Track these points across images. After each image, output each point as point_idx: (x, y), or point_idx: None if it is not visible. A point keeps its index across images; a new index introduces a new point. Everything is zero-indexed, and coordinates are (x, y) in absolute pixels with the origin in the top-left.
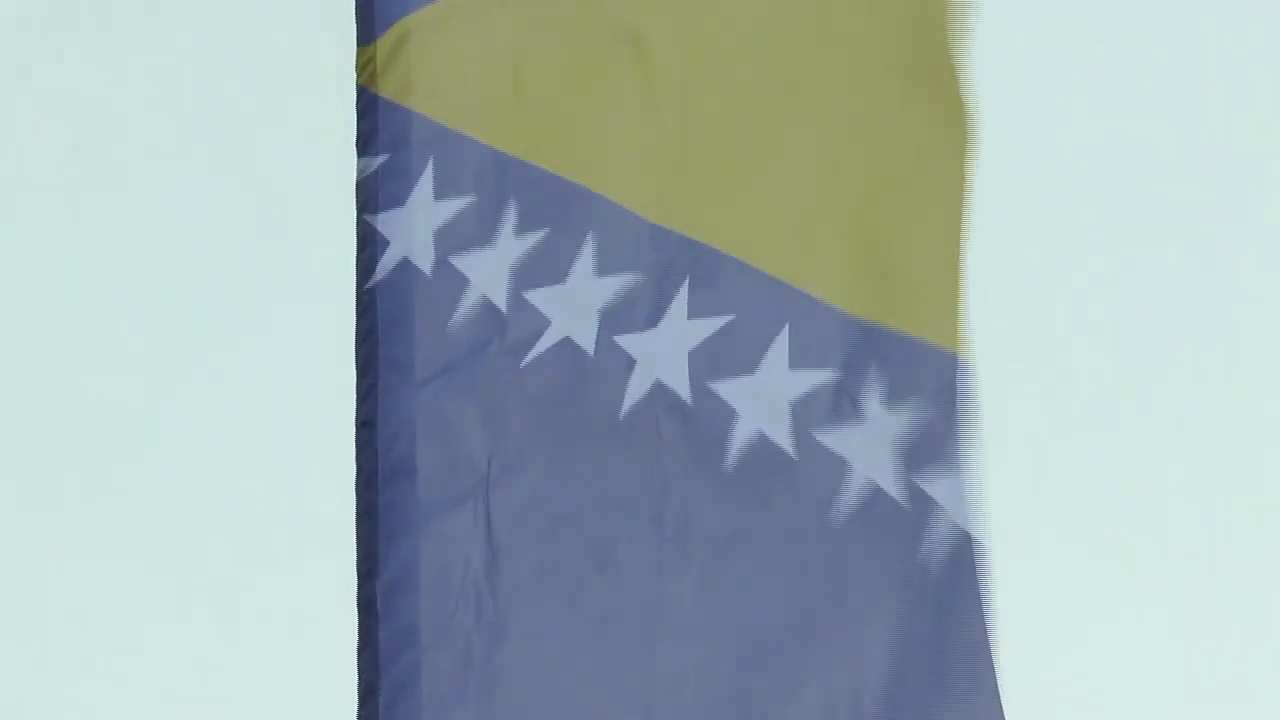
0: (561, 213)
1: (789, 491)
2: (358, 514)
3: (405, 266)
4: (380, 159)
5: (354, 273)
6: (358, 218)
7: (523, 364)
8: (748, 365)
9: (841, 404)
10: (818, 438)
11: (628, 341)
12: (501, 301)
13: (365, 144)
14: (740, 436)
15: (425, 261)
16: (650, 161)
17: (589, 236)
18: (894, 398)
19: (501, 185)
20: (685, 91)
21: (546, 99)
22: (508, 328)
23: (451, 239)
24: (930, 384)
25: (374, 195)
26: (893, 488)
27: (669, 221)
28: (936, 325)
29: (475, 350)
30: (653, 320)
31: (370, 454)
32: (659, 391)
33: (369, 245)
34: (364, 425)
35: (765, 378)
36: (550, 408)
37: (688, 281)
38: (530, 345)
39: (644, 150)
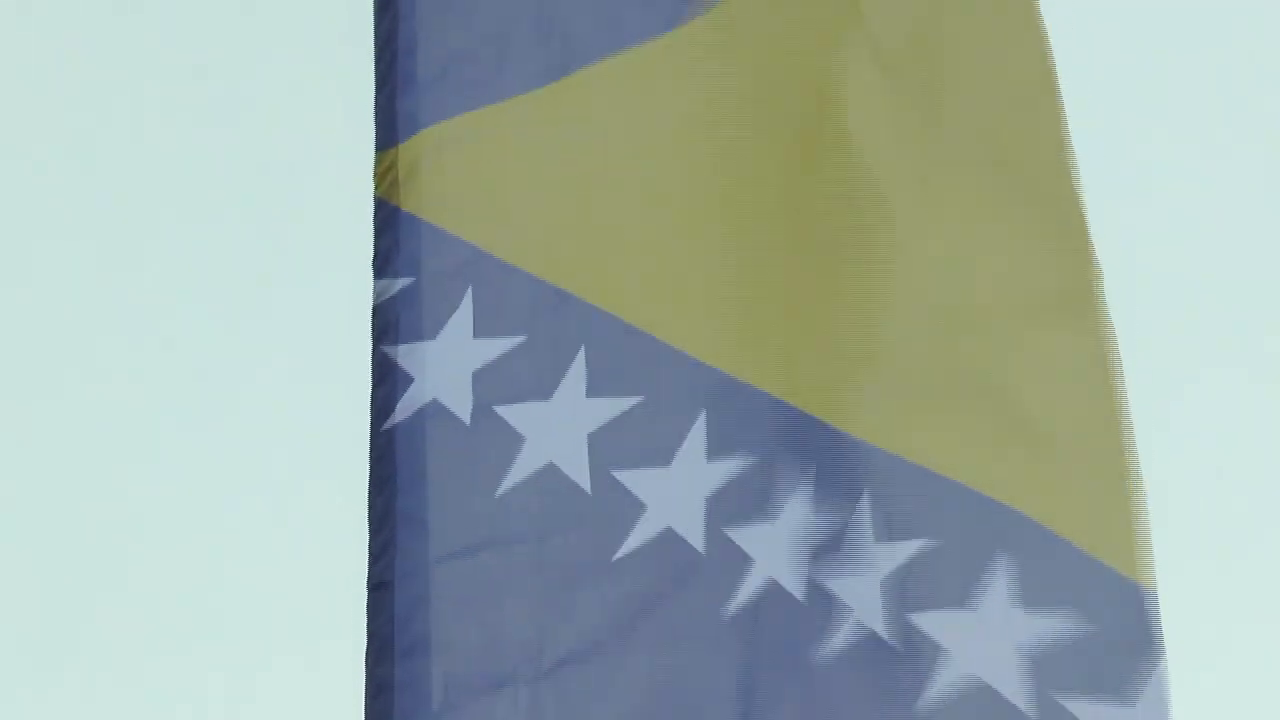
0: (652, 375)
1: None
2: (368, 692)
3: (435, 410)
4: (401, 282)
5: (366, 410)
6: (374, 349)
7: (615, 557)
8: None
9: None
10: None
11: (742, 536)
12: (583, 478)
13: (384, 264)
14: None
15: (461, 407)
16: (754, 321)
17: (699, 411)
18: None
19: (563, 329)
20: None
21: (611, 230)
22: (592, 511)
23: (497, 385)
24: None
25: (393, 323)
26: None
27: (789, 395)
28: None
29: (545, 533)
30: (767, 512)
31: (385, 620)
32: (773, 591)
33: (387, 380)
34: (378, 588)
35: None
36: (645, 604)
37: (814, 473)
38: (624, 535)
39: (739, 306)
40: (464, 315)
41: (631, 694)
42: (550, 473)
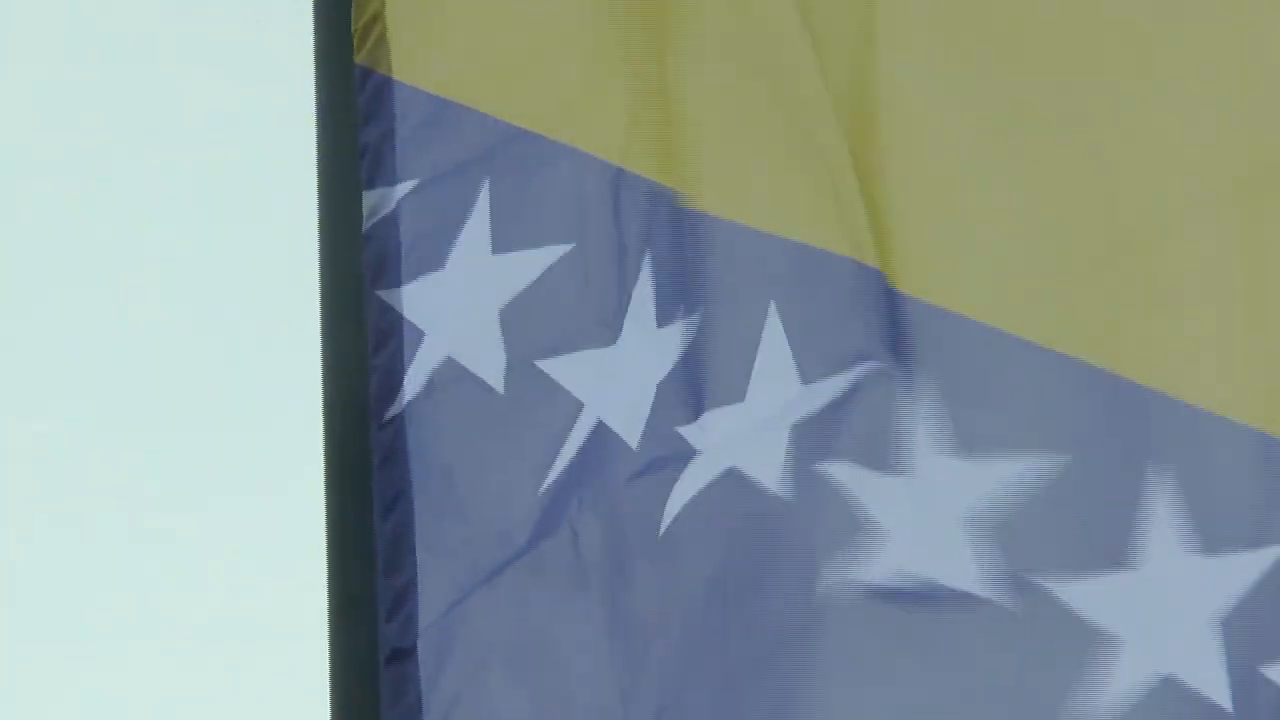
0: (734, 280)
1: None
2: None
3: (450, 375)
4: (403, 189)
5: (361, 393)
6: (368, 294)
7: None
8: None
9: None
10: None
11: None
12: (634, 436)
13: (374, 166)
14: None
15: (489, 365)
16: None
17: (771, 315)
18: None
19: (625, 226)
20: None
21: (694, 93)
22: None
23: (537, 326)
24: None
25: (393, 254)
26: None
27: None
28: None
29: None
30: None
31: (408, 691)
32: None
33: (389, 340)
34: (396, 659)
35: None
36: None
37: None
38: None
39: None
40: (479, 223)
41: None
42: (607, 440)
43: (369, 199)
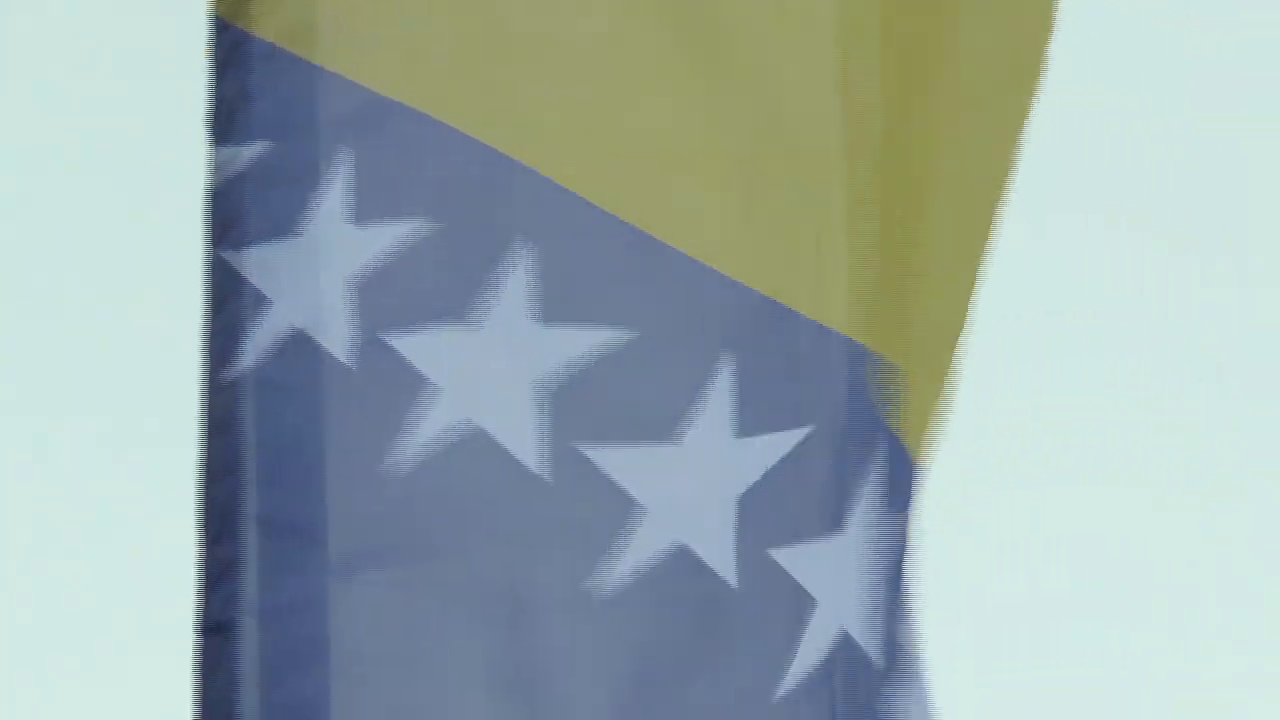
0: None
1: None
2: None
3: (300, 347)
4: (254, 150)
5: (199, 355)
6: (209, 254)
7: (598, 583)
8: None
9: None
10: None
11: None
12: (528, 452)
13: (227, 122)
14: None
15: (338, 340)
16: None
17: (723, 355)
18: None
19: (490, 205)
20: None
21: (575, 71)
22: (551, 504)
23: (389, 301)
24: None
25: (239, 215)
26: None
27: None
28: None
29: (469, 548)
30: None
31: (224, 667)
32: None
33: (230, 302)
34: (215, 630)
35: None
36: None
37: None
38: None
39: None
40: (338, 192)
41: None
42: (478, 443)
43: (218, 156)
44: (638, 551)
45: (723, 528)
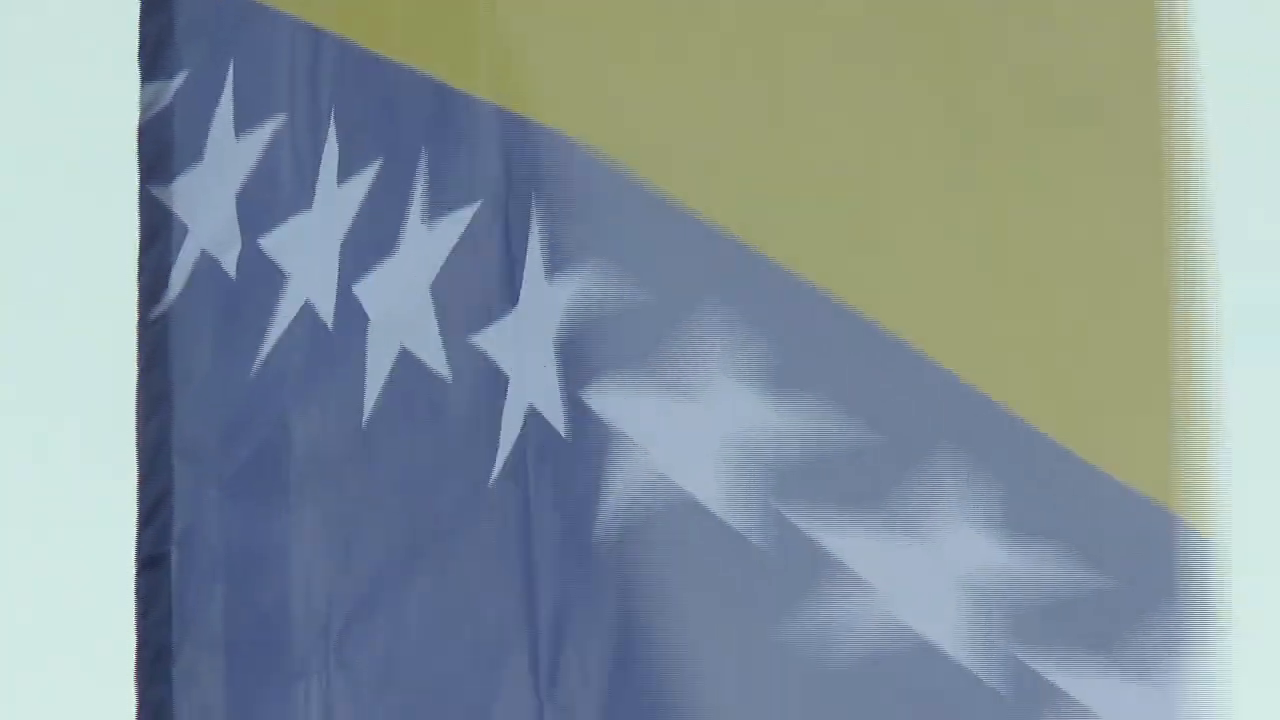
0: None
1: None
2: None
3: (205, 269)
4: (178, 82)
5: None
6: (140, 190)
7: (364, 418)
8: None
9: None
10: None
11: (491, 345)
12: (328, 311)
13: (153, 57)
14: None
15: (229, 252)
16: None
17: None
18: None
19: (320, 88)
20: None
21: None
22: (339, 355)
23: (260, 203)
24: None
25: (166, 149)
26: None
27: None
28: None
29: (294, 420)
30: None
31: (160, 614)
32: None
33: (159, 237)
34: (150, 565)
35: None
36: (405, 489)
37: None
38: (366, 383)
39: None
40: (225, 109)
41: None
42: (305, 315)
43: (146, 93)
44: (375, 370)
45: (426, 319)
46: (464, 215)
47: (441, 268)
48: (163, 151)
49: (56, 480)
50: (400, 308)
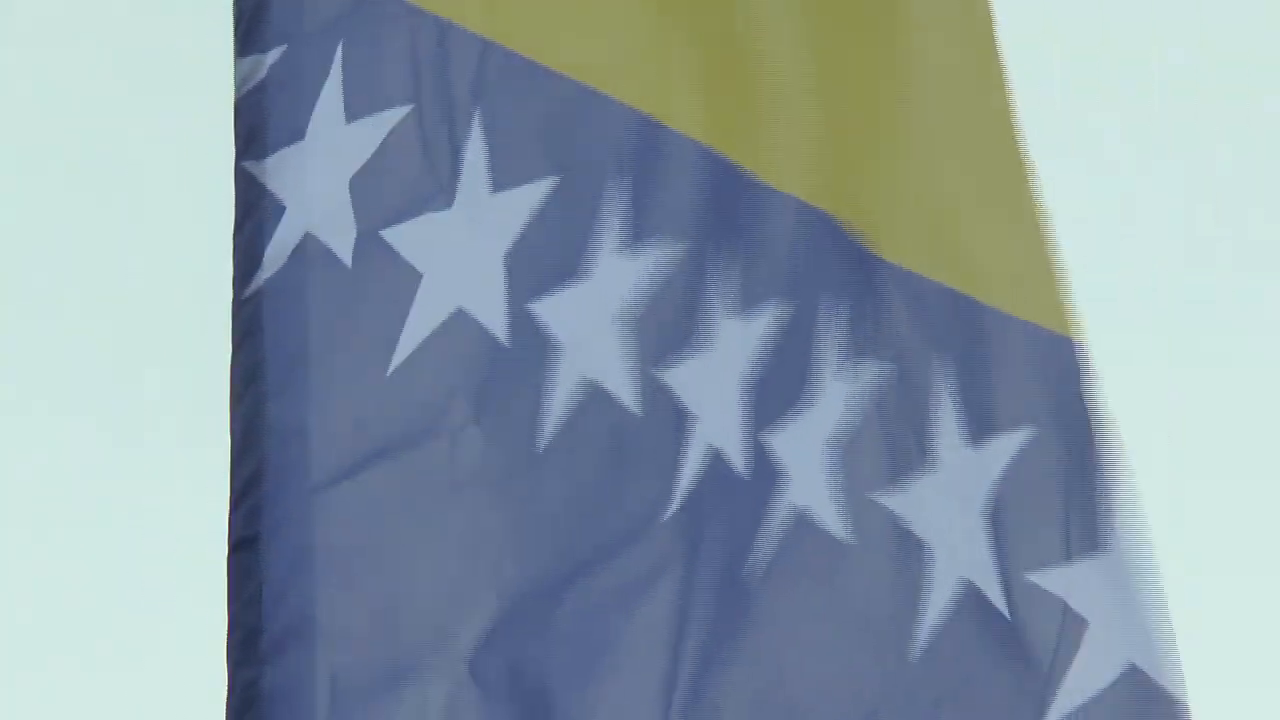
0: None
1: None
2: (230, 704)
3: (311, 251)
4: (273, 56)
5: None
6: (236, 167)
7: (542, 441)
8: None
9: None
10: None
11: (676, 379)
12: (499, 325)
13: (248, 32)
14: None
15: (342, 239)
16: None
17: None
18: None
19: (455, 82)
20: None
21: None
22: (516, 373)
23: (382, 194)
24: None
25: (261, 124)
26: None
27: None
28: (1037, 299)
29: (455, 426)
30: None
31: (252, 595)
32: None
33: (253, 214)
34: (242, 547)
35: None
36: (576, 516)
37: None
38: (541, 404)
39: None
40: (333, 89)
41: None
42: (460, 323)
43: (241, 67)
44: (561, 402)
45: (615, 351)
46: (665, 252)
47: (633, 301)
48: (258, 127)
49: (152, 462)
50: (589, 337)
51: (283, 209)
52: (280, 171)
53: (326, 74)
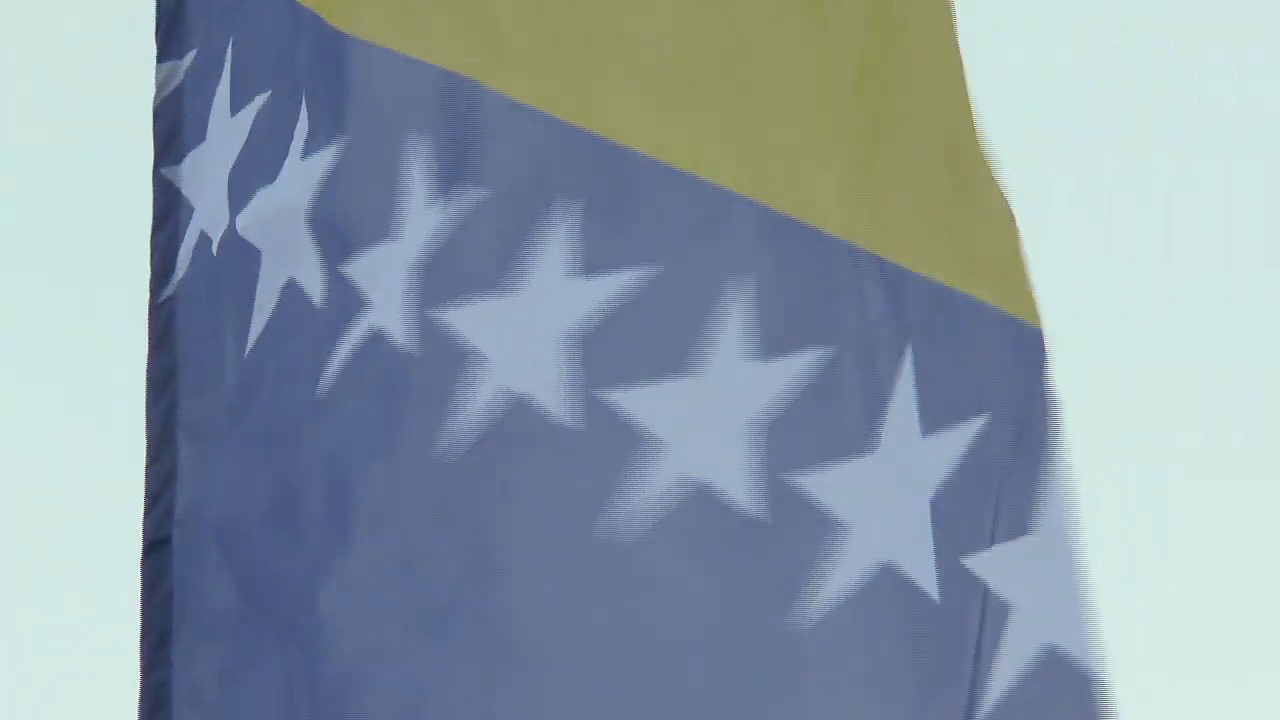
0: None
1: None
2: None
3: (201, 246)
4: (188, 60)
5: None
6: (154, 174)
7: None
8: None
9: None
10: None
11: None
12: (315, 287)
13: (168, 35)
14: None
15: (219, 232)
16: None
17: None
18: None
19: (304, 70)
20: None
21: None
22: (323, 324)
23: (240, 180)
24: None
25: (177, 128)
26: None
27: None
28: (1001, 284)
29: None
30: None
31: (163, 583)
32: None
33: (168, 219)
34: (153, 548)
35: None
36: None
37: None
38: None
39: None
40: (223, 87)
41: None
42: (290, 292)
43: (159, 73)
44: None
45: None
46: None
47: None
48: (173, 132)
49: (70, 469)
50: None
51: (192, 210)
52: (191, 175)
53: (220, 72)
